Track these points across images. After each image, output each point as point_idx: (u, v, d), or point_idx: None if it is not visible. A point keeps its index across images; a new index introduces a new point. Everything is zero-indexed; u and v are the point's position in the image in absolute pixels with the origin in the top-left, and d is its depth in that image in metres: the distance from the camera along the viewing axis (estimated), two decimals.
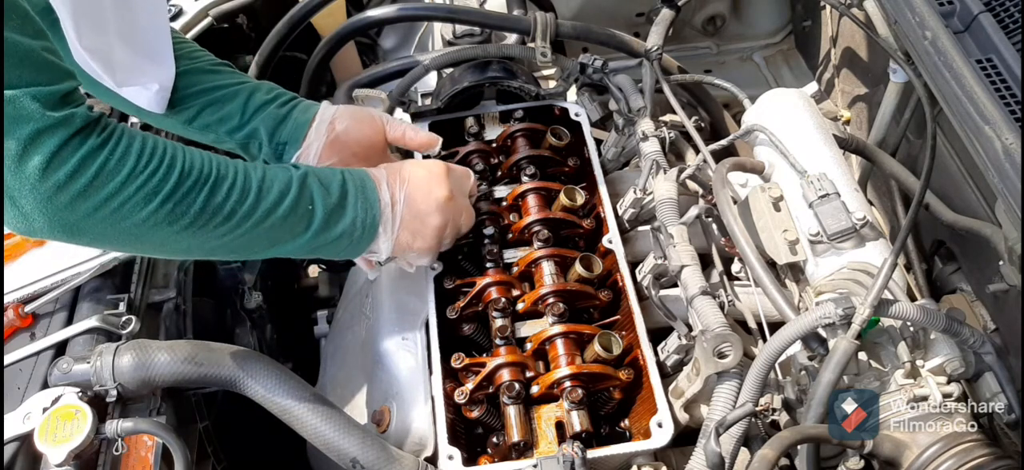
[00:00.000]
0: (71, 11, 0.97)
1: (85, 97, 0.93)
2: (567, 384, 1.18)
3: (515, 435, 1.17)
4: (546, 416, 1.21)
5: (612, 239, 1.38)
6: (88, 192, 0.88)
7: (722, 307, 1.21)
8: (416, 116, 1.63)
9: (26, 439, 1.05)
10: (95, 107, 0.93)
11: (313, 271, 1.96)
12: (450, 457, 1.13)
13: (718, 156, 1.41)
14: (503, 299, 1.30)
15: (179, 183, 0.94)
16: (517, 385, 1.20)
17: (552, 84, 1.69)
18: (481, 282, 1.31)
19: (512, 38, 1.77)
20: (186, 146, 0.99)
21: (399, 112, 1.63)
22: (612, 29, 1.78)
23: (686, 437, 1.18)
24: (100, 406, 1.11)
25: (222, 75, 1.26)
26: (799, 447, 1.11)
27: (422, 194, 1.19)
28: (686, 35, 2.44)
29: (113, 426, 1.06)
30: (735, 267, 1.38)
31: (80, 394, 1.08)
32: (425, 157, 1.48)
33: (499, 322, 1.28)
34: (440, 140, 1.39)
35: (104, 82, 1.12)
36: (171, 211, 0.94)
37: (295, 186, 1.06)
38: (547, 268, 1.34)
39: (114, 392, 1.11)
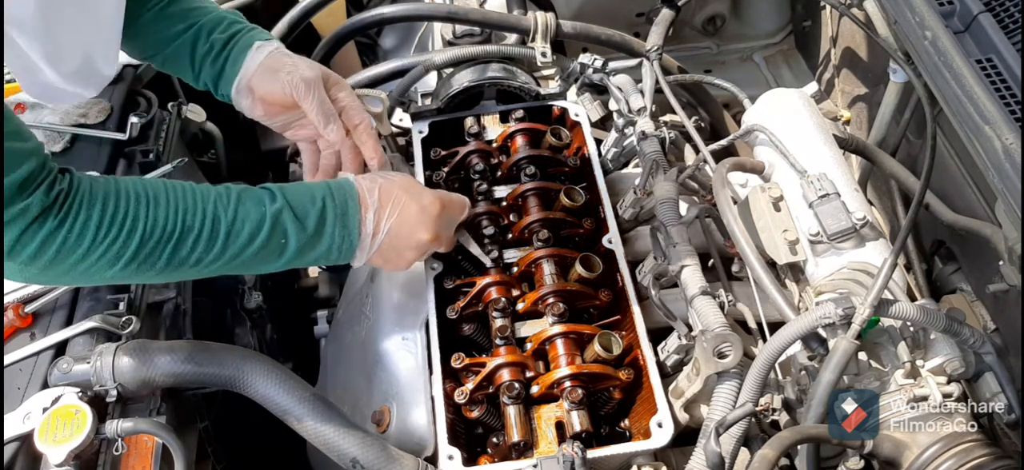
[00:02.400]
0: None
1: (50, 168, 0.93)
2: (567, 384, 1.18)
3: (515, 435, 1.17)
4: (546, 416, 1.21)
5: (612, 239, 1.38)
6: (53, 264, 0.93)
7: (722, 307, 1.21)
8: (416, 116, 1.63)
9: (26, 439, 1.05)
10: (56, 184, 0.93)
11: (313, 271, 1.96)
12: (450, 457, 1.13)
13: (718, 156, 1.41)
14: (503, 299, 1.30)
15: (141, 246, 0.97)
16: (517, 385, 1.20)
17: (552, 84, 1.69)
18: (481, 282, 1.31)
19: (512, 38, 1.77)
20: (155, 194, 0.99)
21: (399, 112, 1.63)
22: (612, 29, 1.78)
23: (686, 437, 1.18)
24: (100, 406, 1.10)
25: (174, 23, 1.29)
26: (799, 447, 1.11)
27: (406, 231, 1.19)
28: (686, 35, 2.44)
29: (113, 426, 1.06)
30: (735, 267, 1.38)
31: (80, 394, 1.08)
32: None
33: (499, 322, 1.28)
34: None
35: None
36: (136, 268, 0.99)
37: (267, 225, 1.06)
38: (547, 268, 1.34)
39: (114, 392, 1.11)
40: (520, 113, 1.59)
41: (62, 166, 0.96)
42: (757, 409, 1.10)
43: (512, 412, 1.19)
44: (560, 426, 1.20)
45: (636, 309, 1.28)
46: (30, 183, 0.90)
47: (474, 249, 1.36)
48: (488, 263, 1.35)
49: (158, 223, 0.98)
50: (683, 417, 1.19)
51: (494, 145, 1.56)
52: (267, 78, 1.29)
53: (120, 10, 1.16)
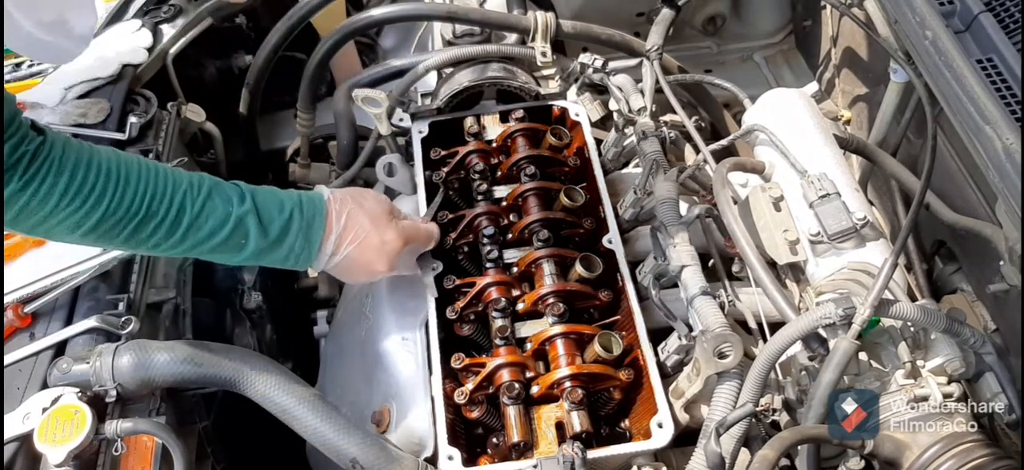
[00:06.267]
0: None
1: (18, 126, 0.94)
2: (567, 384, 1.18)
3: (515, 435, 1.16)
4: (546, 416, 1.21)
5: (612, 239, 1.38)
6: (16, 220, 0.97)
7: (722, 307, 1.21)
8: (416, 116, 1.62)
9: (26, 439, 1.05)
10: (22, 144, 0.94)
11: (313, 271, 1.96)
12: (450, 457, 1.13)
13: (718, 156, 1.41)
14: (503, 299, 1.30)
15: (103, 220, 0.99)
16: (517, 385, 1.19)
17: (552, 84, 1.68)
18: (481, 282, 1.31)
19: (512, 38, 1.77)
20: (127, 173, 1.00)
21: (399, 112, 1.63)
22: (612, 29, 1.78)
23: (686, 437, 1.18)
24: (100, 406, 1.10)
25: None
26: (799, 447, 1.11)
27: (364, 260, 1.22)
28: (686, 35, 2.44)
29: (113, 426, 1.06)
30: (735, 267, 1.38)
31: (79, 394, 1.08)
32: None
33: (499, 322, 1.28)
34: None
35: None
36: (95, 239, 1.02)
37: (230, 225, 1.08)
38: (547, 268, 1.34)
39: (114, 392, 1.11)
40: (520, 113, 1.59)
41: (39, 126, 0.97)
42: (757, 409, 1.10)
43: (512, 412, 1.19)
44: (560, 426, 1.19)
45: (636, 309, 1.28)
46: None
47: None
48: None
49: (123, 203, 1.00)
50: (683, 417, 1.18)
51: (494, 145, 1.56)
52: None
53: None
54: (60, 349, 1.20)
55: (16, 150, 0.93)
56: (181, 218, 1.04)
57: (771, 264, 1.29)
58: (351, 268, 1.23)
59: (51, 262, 1.29)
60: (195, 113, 1.75)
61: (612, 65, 1.66)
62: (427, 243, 1.34)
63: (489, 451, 1.21)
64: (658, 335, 1.27)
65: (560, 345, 1.24)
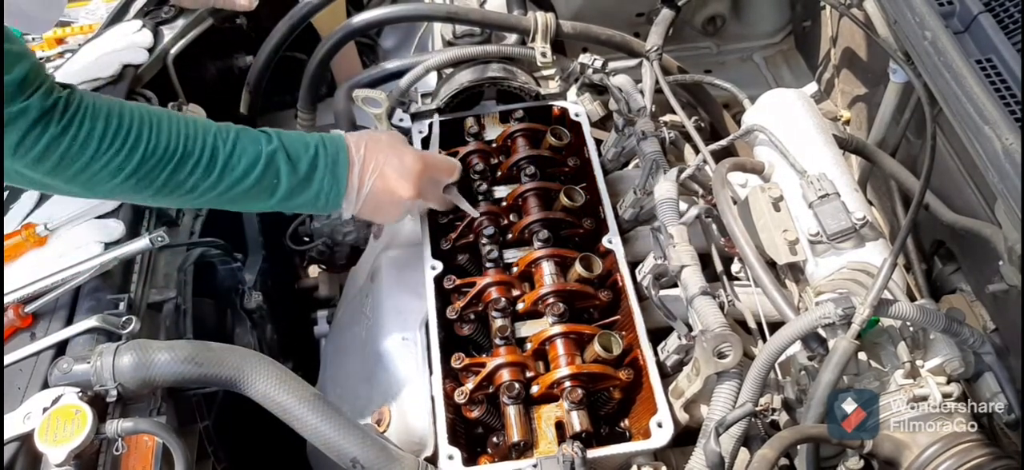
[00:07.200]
0: None
1: (46, 76, 0.98)
2: (567, 384, 1.18)
3: (515, 435, 1.17)
4: (546, 416, 1.21)
5: (612, 239, 1.38)
6: (58, 170, 1.00)
7: (722, 307, 1.21)
8: (416, 116, 1.63)
9: (26, 439, 1.05)
10: (53, 91, 0.98)
11: (313, 271, 1.96)
12: (450, 457, 1.13)
13: (718, 156, 1.41)
14: (503, 299, 1.30)
15: (142, 162, 1.04)
16: (517, 385, 1.20)
17: (552, 84, 1.69)
18: (481, 282, 1.31)
19: (512, 38, 1.77)
20: (159, 118, 1.06)
21: (399, 112, 1.63)
22: (612, 29, 1.78)
23: (686, 437, 1.18)
24: (100, 406, 1.10)
25: None
26: (799, 447, 1.11)
27: (388, 188, 1.27)
28: (686, 35, 2.44)
29: (113, 426, 1.05)
30: (735, 267, 1.38)
31: (80, 394, 1.08)
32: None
33: (499, 322, 1.28)
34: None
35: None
36: (135, 184, 1.06)
37: (262, 162, 1.12)
38: (547, 268, 1.34)
39: (114, 392, 1.11)
40: (520, 113, 1.59)
41: (65, 83, 1.01)
42: (757, 409, 1.10)
43: (512, 412, 1.19)
44: (560, 426, 1.20)
45: (636, 309, 1.28)
46: (27, 86, 0.96)
47: (463, 205, 1.41)
48: (476, 215, 1.40)
49: (160, 144, 1.05)
50: (683, 417, 1.19)
51: (494, 145, 1.56)
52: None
53: None
54: (61, 349, 1.20)
55: (49, 96, 0.96)
56: (216, 157, 1.09)
57: (771, 264, 1.30)
58: (380, 201, 1.26)
59: (52, 262, 1.29)
60: (195, 113, 1.75)
61: (612, 65, 1.67)
62: (450, 173, 1.38)
63: (489, 451, 1.21)
64: (658, 335, 1.27)
65: (560, 345, 1.24)
